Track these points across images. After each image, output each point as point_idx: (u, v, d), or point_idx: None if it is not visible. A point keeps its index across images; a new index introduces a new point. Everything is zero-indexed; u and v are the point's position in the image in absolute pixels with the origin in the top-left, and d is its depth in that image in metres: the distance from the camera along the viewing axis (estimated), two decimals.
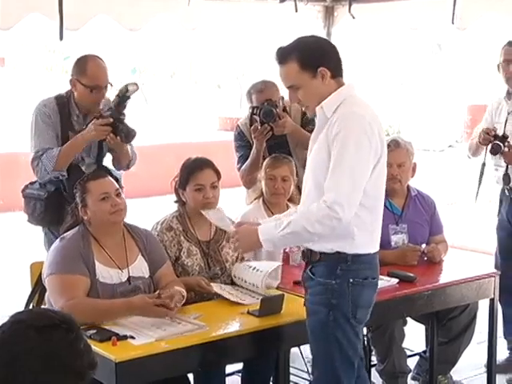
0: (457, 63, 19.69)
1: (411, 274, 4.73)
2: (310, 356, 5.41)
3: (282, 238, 3.69)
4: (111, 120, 4.95)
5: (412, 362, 5.53)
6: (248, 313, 4.17)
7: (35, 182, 5.17)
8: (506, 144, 5.40)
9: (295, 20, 6.57)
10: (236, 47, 16.40)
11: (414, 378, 5.51)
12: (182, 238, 4.58)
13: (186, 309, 4.13)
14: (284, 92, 4.64)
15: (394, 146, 5.11)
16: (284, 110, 5.61)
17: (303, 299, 4.23)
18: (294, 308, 4.26)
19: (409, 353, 5.46)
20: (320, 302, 3.77)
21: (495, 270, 5.22)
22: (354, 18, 6.58)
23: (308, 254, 3.81)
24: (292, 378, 4.83)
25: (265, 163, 5.19)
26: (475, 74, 19.35)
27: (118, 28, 5.64)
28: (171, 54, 21.07)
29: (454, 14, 5.80)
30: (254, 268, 4.47)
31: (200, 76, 22.32)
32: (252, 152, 5.59)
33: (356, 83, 3.84)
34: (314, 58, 3.69)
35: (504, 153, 5.41)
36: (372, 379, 5.17)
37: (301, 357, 5.31)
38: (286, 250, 4.98)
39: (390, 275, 4.69)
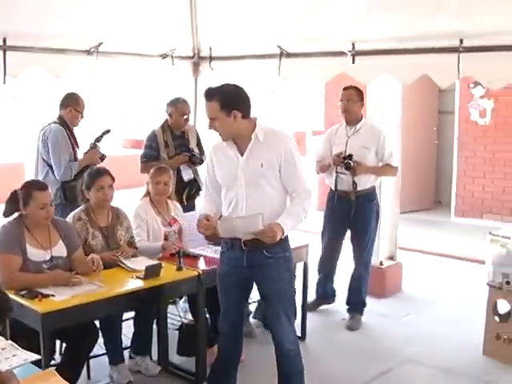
0: (285, 102, 20.13)
1: None
2: (183, 305, 5.53)
3: (293, 226, 3.72)
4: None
5: (252, 307, 5.66)
6: (136, 277, 4.20)
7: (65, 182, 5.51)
8: (353, 160, 5.42)
9: (173, 71, 6.60)
10: (132, 90, 16.07)
11: (254, 317, 5.62)
12: (88, 225, 4.57)
13: (92, 275, 4.12)
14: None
15: None
16: (183, 132, 5.96)
17: (175, 266, 4.38)
18: (169, 273, 4.33)
19: (250, 301, 5.58)
20: (284, 269, 3.82)
21: (307, 243, 5.27)
22: (212, 70, 6.67)
23: (257, 241, 3.68)
24: (169, 320, 4.89)
25: (151, 172, 5.17)
26: (297, 109, 19.87)
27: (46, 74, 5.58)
28: (89, 94, 20.42)
29: (279, 69, 5.96)
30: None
31: (111, 111, 21.79)
32: (163, 160, 5.74)
33: None
34: (230, 103, 3.65)
35: (352, 167, 5.43)
36: None
37: (175, 306, 5.33)
38: (166, 231, 5.01)
39: None
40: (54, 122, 5.58)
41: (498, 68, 4.75)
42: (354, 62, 5.38)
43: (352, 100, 5.57)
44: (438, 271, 7.49)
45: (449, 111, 10.61)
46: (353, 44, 5.38)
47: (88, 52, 5.64)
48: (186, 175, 5.90)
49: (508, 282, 4.86)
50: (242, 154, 3.77)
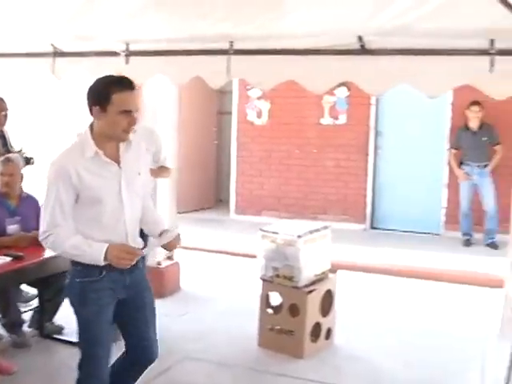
0: (67, 101, 19.53)
1: (21, 254, 4.58)
2: None
3: None
4: None
5: (27, 316, 5.40)
6: None
7: None
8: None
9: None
10: None
11: (29, 326, 5.37)
12: None
13: None
14: None
15: (8, 160, 5.04)
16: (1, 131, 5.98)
17: None
18: None
19: (26, 309, 5.35)
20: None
21: None
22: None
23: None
24: None
25: None
26: (78, 109, 19.26)
27: None
28: None
29: (53, 68, 5.75)
30: None
31: None
32: None
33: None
34: None
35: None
36: None
37: None
38: None
39: (5, 255, 4.54)
40: None
41: (266, 70, 4.95)
42: (127, 62, 5.33)
43: None
44: (216, 268, 7.65)
45: (228, 112, 10.88)
46: (127, 44, 5.33)
47: None
48: None
49: (278, 276, 5.05)
50: (116, 162, 3.21)
